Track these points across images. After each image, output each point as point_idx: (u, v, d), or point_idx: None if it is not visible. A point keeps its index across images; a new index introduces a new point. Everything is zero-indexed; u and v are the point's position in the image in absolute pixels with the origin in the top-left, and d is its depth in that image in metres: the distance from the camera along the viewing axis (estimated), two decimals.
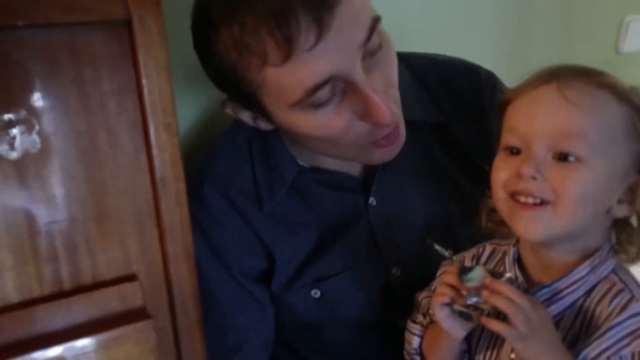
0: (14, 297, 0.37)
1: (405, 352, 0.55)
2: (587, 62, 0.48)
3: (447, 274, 0.45)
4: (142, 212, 0.40)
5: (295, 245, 0.59)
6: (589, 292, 0.46)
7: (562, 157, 0.42)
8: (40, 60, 0.35)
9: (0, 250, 0.36)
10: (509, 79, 0.48)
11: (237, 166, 0.59)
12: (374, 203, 0.60)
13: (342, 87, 0.46)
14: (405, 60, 0.61)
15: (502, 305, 0.40)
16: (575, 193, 0.42)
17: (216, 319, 0.58)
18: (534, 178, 0.41)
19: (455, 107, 0.62)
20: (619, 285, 0.45)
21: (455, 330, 0.45)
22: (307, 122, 0.48)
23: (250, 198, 0.58)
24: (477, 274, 0.42)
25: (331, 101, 0.47)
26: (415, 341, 0.53)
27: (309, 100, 0.45)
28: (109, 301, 0.39)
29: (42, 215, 0.37)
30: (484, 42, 0.96)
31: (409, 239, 0.60)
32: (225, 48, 0.46)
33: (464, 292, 0.42)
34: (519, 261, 0.50)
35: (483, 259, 0.54)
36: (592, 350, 0.43)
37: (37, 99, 0.35)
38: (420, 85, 0.63)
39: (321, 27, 0.42)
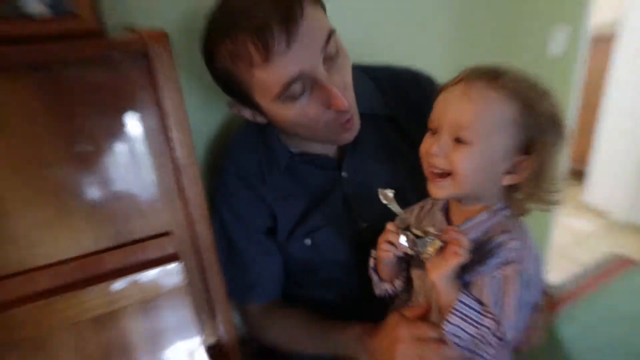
0: (91, 247, 0.54)
1: (370, 271, 0.71)
2: (521, 63, 0.58)
3: (389, 233, 0.61)
4: (170, 189, 0.57)
5: (290, 210, 0.75)
6: (485, 232, 0.59)
7: (458, 140, 0.55)
8: (83, 92, 0.50)
9: (80, 217, 0.53)
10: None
11: (247, 155, 0.75)
12: (346, 176, 0.74)
13: (310, 84, 0.60)
14: (368, 71, 0.76)
15: (464, 244, 0.54)
16: (463, 167, 0.55)
17: (239, 264, 0.77)
18: (438, 155, 0.55)
19: (403, 105, 0.76)
20: (507, 228, 0.58)
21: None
22: (288, 112, 0.62)
23: (257, 177, 0.74)
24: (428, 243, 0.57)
25: (303, 95, 0.60)
26: (372, 262, 0.69)
27: (286, 93, 0.59)
28: (153, 249, 0.56)
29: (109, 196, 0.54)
30: (440, 55, 1.13)
31: (372, 201, 0.72)
32: (223, 59, 0.60)
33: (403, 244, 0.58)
34: (446, 210, 0.65)
35: (426, 209, 0.69)
36: (474, 274, 0.57)
37: (97, 123, 0.52)
38: (378, 89, 0.76)
39: (290, 37, 0.55)
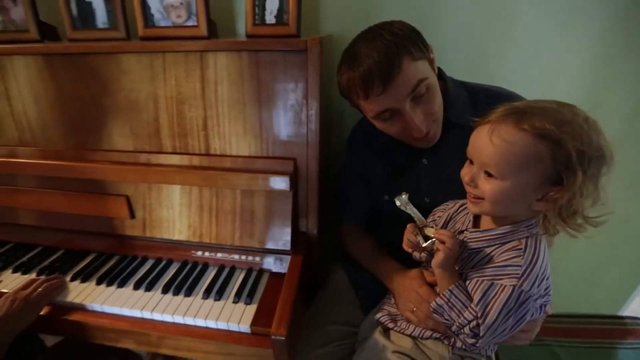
0: (254, 153, 0.94)
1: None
2: None
3: (408, 232, 0.79)
4: (301, 134, 0.91)
5: (378, 173, 1.02)
6: (502, 244, 0.68)
7: (488, 174, 0.63)
8: (269, 67, 0.86)
9: (253, 135, 0.94)
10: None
11: (362, 132, 1.04)
12: (425, 163, 0.95)
13: (397, 113, 0.81)
14: (467, 86, 0.92)
15: (445, 239, 0.69)
16: (491, 196, 0.64)
17: (342, 191, 1.12)
18: (470, 185, 0.66)
19: None
20: (521, 247, 0.65)
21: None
22: (380, 125, 0.87)
23: (367, 146, 1.03)
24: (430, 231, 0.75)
25: (391, 119, 0.83)
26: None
27: (377, 116, 0.83)
28: (282, 165, 0.93)
29: (270, 127, 0.92)
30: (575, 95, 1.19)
31: (437, 186, 0.94)
32: (342, 84, 0.85)
33: (418, 239, 0.76)
34: (475, 215, 0.76)
35: (464, 206, 0.82)
36: (475, 273, 0.68)
37: (273, 85, 0.88)
38: (471, 101, 0.90)
39: (384, 88, 0.77)
